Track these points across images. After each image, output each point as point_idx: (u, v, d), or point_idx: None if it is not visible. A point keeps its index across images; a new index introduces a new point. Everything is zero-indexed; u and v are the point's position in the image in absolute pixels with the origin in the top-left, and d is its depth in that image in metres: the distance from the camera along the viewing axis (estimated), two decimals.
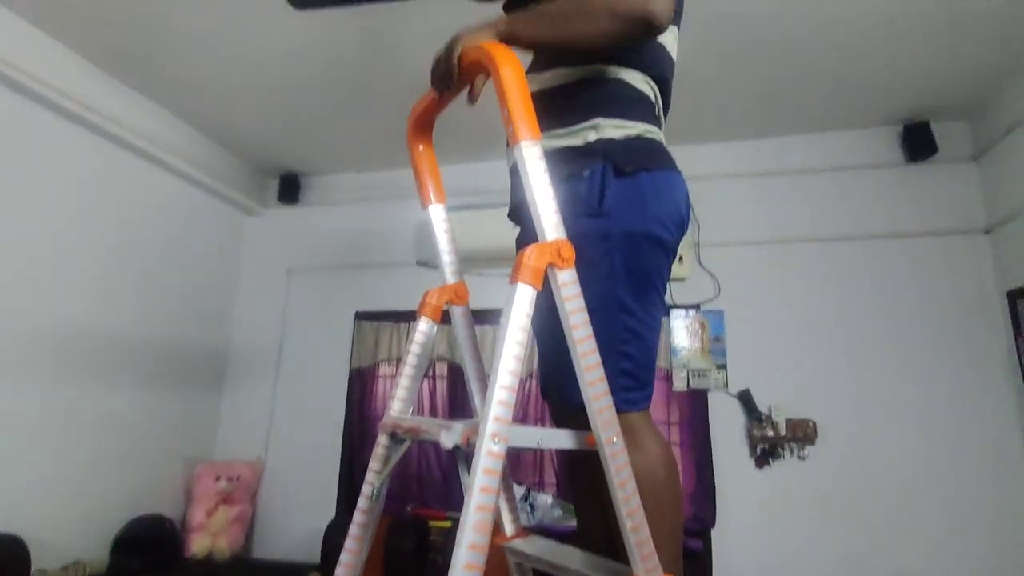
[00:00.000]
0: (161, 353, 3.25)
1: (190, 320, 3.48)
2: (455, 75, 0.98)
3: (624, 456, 0.87)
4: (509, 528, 1.13)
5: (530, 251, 0.82)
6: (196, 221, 3.56)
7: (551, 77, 1.12)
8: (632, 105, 1.10)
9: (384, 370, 3.56)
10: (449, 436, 0.79)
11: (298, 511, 3.41)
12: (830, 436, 2.87)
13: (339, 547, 1.01)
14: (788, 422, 2.91)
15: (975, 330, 2.82)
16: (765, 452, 2.92)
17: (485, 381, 1.15)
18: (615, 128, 1.06)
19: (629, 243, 1.00)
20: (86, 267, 2.82)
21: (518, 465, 3.14)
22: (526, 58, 1.08)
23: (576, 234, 0.89)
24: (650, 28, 0.93)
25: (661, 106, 1.17)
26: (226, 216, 3.83)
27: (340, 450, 3.46)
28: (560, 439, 0.93)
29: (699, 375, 3.07)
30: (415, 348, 1.12)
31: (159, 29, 2.52)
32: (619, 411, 0.92)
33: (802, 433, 2.88)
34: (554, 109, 1.09)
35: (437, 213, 1.20)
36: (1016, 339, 2.70)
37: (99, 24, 2.49)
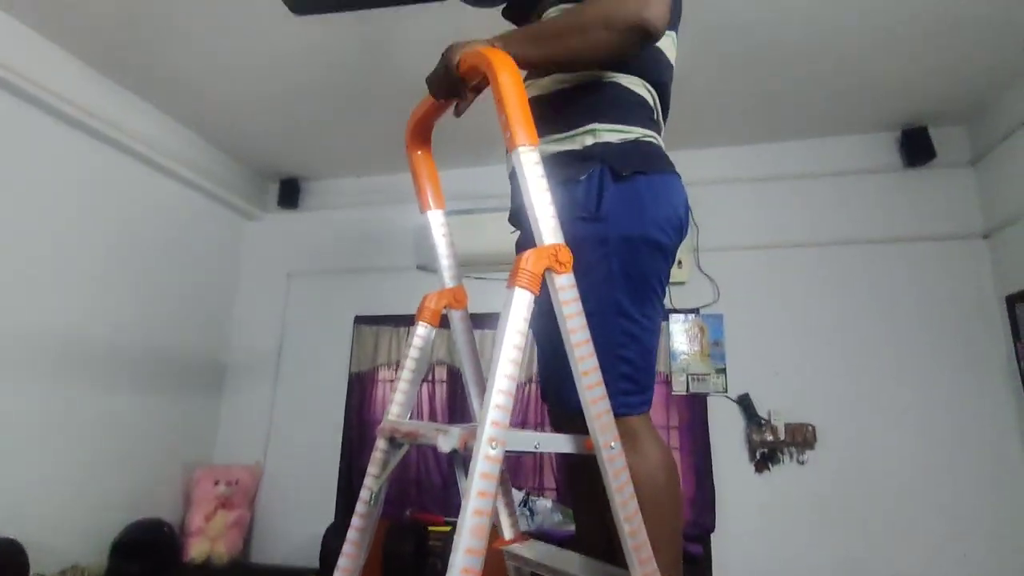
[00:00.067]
0: (161, 357, 3.25)
1: (190, 324, 3.49)
2: (459, 84, 0.99)
3: (622, 460, 0.87)
4: (508, 532, 1.13)
5: (528, 255, 0.83)
6: (196, 225, 3.57)
7: (549, 83, 1.13)
8: (630, 110, 1.10)
9: (383, 374, 3.56)
10: (447, 440, 0.79)
11: (297, 515, 3.40)
12: (829, 441, 2.86)
13: (338, 552, 1.01)
14: (787, 427, 2.91)
15: (974, 335, 2.82)
16: (765, 457, 2.91)
17: (484, 385, 1.15)
18: (613, 132, 1.07)
19: (627, 247, 1.00)
20: (86, 271, 2.82)
21: (518, 469, 3.14)
22: None
23: (574, 238, 0.89)
24: (647, 36, 0.93)
25: (660, 111, 1.17)
26: (226, 220, 3.83)
27: (339, 454, 3.46)
28: (558, 443, 0.93)
29: (698, 379, 3.07)
30: (414, 352, 1.12)
31: (159, 34, 2.53)
32: (619, 415, 0.92)
33: (801, 438, 2.88)
34: (552, 114, 1.09)
35: (436, 218, 1.20)
36: (1015, 344, 2.70)
37: (99, 28, 2.50)
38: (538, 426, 3.10)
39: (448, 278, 1.19)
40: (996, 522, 2.62)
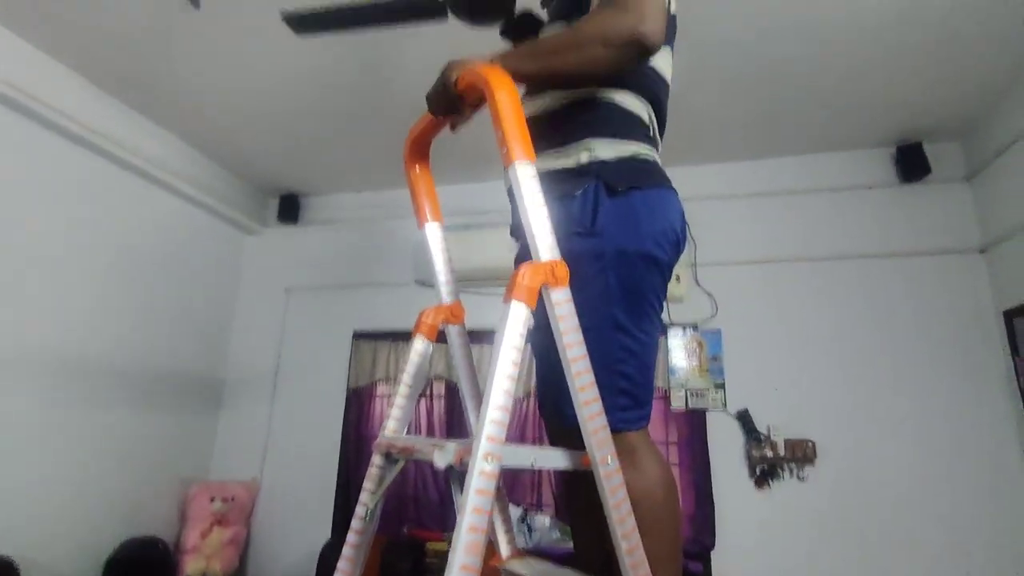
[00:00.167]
0: (158, 371, 3.24)
1: (188, 339, 3.48)
2: (457, 101, 1.00)
3: (619, 477, 0.87)
4: (505, 549, 1.12)
5: (524, 270, 0.83)
6: (196, 240, 3.58)
7: (545, 101, 1.14)
8: (626, 126, 1.11)
9: (381, 389, 3.55)
10: (442, 456, 0.78)
11: (294, 532, 3.37)
12: (829, 456, 2.85)
13: (334, 569, 1.00)
14: (787, 442, 2.89)
15: (971, 349, 2.82)
16: (765, 473, 2.89)
17: (481, 400, 1.15)
18: (608, 148, 1.07)
19: (623, 261, 1.01)
20: (85, 285, 2.83)
21: (516, 486, 3.12)
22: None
23: (570, 253, 0.90)
24: (643, 51, 0.94)
25: (656, 127, 1.18)
26: (226, 235, 3.84)
27: (337, 470, 3.43)
28: (555, 459, 0.92)
29: (697, 395, 3.06)
30: (411, 368, 1.12)
31: (163, 53, 2.56)
32: (617, 430, 0.92)
33: (801, 453, 2.87)
34: (548, 131, 1.10)
35: (433, 233, 1.21)
36: (1014, 358, 2.70)
37: (104, 48, 2.53)
38: (537, 441, 3.08)
39: (446, 293, 1.19)
40: (996, 535, 2.60)
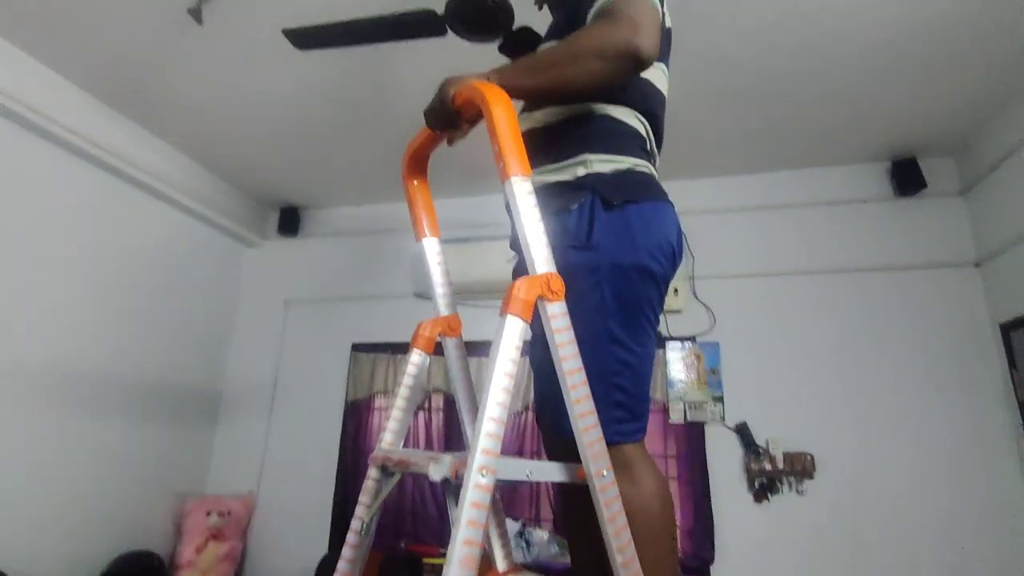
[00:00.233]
0: (156, 384, 3.23)
1: (186, 351, 3.48)
2: (454, 117, 1.01)
3: (614, 490, 0.87)
4: (501, 564, 1.12)
5: (520, 284, 0.84)
6: (196, 253, 3.59)
7: (542, 115, 1.16)
8: (622, 140, 1.12)
9: (379, 402, 3.54)
10: (438, 469, 0.78)
11: (290, 547, 3.34)
12: (828, 470, 2.84)
13: None
14: (786, 455, 2.88)
15: (969, 362, 2.83)
16: (764, 486, 2.88)
17: (477, 413, 1.15)
18: (604, 163, 1.09)
19: (618, 275, 1.01)
20: (84, 297, 2.83)
21: (514, 500, 3.10)
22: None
23: (566, 267, 0.91)
24: (638, 63, 0.96)
25: (653, 140, 1.19)
26: (226, 248, 3.85)
27: (334, 483, 3.41)
28: (550, 472, 0.92)
29: (696, 407, 3.05)
30: (407, 380, 1.12)
31: (165, 67, 2.58)
32: (614, 443, 0.92)
33: (800, 467, 2.86)
34: (545, 146, 1.12)
35: (431, 246, 1.22)
36: (1011, 372, 2.70)
37: (106, 62, 2.56)
38: (535, 455, 3.07)
39: (443, 306, 1.20)
40: (995, 548, 2.58)
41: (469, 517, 0.71)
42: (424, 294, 3.55)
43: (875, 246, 3.09)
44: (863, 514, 2.75)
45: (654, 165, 1.18)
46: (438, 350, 1.18)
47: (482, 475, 0.73)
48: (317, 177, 3.62)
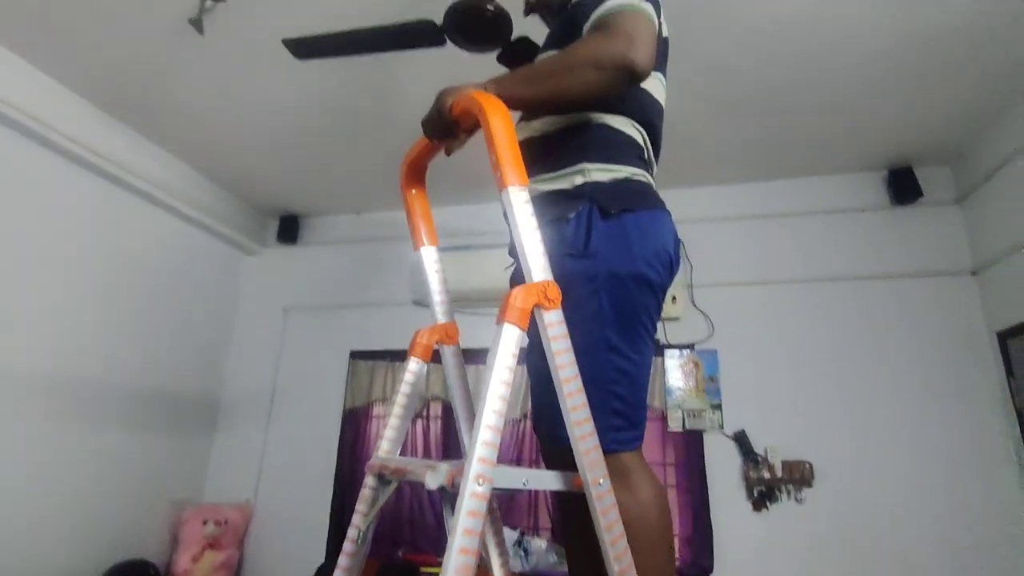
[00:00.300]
0: (154, 392, 3.22)
1: (184, 359, 3.47)
2: (452, 126, 1.02)
3: (611, 498, 0.87)
4: (498, 572, 1.11)
5: (516, 292, 0.84)
6: (195, 261, 3.59)
7: (540, 125, 1.17)
8: (619, 149, 1.13)
9: (378, 410, 3.53)
10: (434, 477, 0.79)
11: (287, 556, 3.32)
12: (827, 478, 2.83)
13: None
14: (784, 464, 2.88)
15: (966, 370, 2.83)
16: (762, 495, 2.87)
17: (474, 421, 1.15)
18: (602, 172, 1.09)
19: (615, 283, 1.02)
20: (83, 305, 2.83)
21: (512, 509, 3.09)
22: None
23: (563, 275, 0.91)
24: (633, 75, 0.97)
25: (651, 150, 1.20)
26: (225, 256, 3.86)
27: (332, 492, 3.40)
28: (547, 480, 0.93)
29: (694, 415, 3.05)
30: (405, 388, 1.12)
31: (165, 76, 2.59)
32: (611, 451, 0.92)
33: (799, 475, 2.85)
34: (543, 155, 1.13)
35: (429, 255, 1.22)
36: (1008, 379, 2.70)
37: (107, 71, 2.57)
38: (533, 463, 3.06)
39: (440, 314, 1.20)
40: (994, 556, 2.57)
41: (465, 525, 0.71)
42: (422, 302, 3.55)
43: (872, 255, 3.10)
44: (862, 522, 2.74)
45: (652, 174, 1.19)
46: (436, 358, 1.19)
47: (478, 483, 0.73)
48: (316, 185, 3.63)
